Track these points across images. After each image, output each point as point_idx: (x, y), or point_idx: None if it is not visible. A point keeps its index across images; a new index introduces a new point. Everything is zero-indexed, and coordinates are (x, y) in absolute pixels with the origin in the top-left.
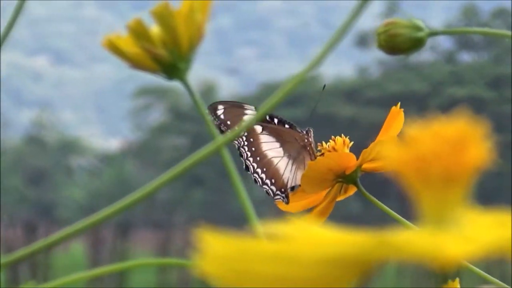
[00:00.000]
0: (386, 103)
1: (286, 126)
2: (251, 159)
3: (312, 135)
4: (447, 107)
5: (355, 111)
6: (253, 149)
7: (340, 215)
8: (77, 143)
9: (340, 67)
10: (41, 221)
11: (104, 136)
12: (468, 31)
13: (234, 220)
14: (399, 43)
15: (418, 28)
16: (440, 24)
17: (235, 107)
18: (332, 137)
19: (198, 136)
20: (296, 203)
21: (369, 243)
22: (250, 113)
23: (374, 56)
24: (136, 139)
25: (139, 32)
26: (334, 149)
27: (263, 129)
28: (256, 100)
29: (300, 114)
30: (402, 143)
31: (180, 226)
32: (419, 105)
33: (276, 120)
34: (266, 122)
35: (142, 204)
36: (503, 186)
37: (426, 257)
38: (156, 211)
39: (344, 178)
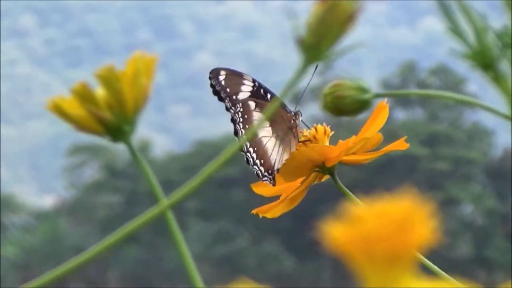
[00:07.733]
0: None
1: None
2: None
3: (300, 118)
4: (381, 165)
5: None
6: (247, 126)
7: (273, 273)
8: (10, 200)
9: None
10: None
11: (38, 193)
12: (419, 94)
13: (168, 278)
14: (345, 105)
15: (364, 90)
16: (375, 81)
17: (235, 75)
18: (314, 125)
19: (133, 194)
20: (270, 188)
21: None
22: (247, 84)
23: (307, 113)
24: (70, 196)
25: (84, 95)
26: (315, 138)
27: (256, 106)
28: (190, 157)
29: (234, 172)
30: (347, 223)
31: (114, 283)
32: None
33: (269, 96)
34: (260, 96)
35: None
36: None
37: None
38: (90, 267)
39: (322, 169)
